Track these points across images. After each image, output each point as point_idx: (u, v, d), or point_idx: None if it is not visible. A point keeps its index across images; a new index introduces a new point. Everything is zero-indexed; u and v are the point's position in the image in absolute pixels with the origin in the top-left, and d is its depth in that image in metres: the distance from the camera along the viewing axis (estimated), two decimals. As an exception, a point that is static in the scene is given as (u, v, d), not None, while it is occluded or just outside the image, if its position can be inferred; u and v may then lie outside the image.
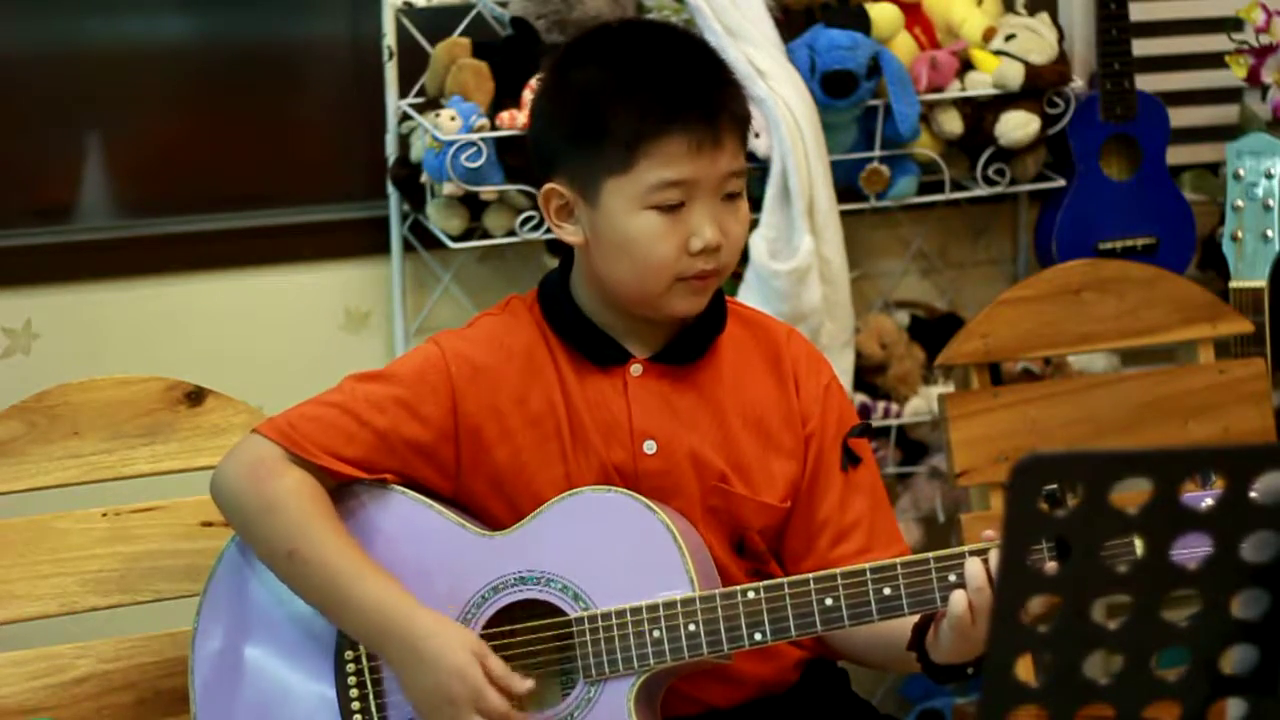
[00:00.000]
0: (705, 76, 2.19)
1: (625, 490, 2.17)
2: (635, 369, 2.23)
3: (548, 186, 2.20)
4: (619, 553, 2.14)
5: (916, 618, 2.13)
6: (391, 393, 2.21)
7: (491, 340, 2.25)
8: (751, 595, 2.11)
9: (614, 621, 2.13)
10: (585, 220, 2.19)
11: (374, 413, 2.19)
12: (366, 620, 2.13)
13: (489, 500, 2.22)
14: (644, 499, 2.15)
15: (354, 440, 2.19)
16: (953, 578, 2.08)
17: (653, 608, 2.12)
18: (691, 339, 2.25)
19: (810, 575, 2.12)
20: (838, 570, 2.11)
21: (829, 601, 2.10)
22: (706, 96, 2.16)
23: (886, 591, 2.09)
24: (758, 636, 2.11)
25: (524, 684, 2.09)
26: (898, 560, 2.10)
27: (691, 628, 2.12)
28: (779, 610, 2.11)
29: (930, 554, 2.10)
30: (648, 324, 2.23)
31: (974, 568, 2.04)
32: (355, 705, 2.19)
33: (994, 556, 2.03)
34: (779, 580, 2.13)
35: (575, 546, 2.15)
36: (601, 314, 2.24)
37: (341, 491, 2.20)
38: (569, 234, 2.20)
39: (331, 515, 2.17)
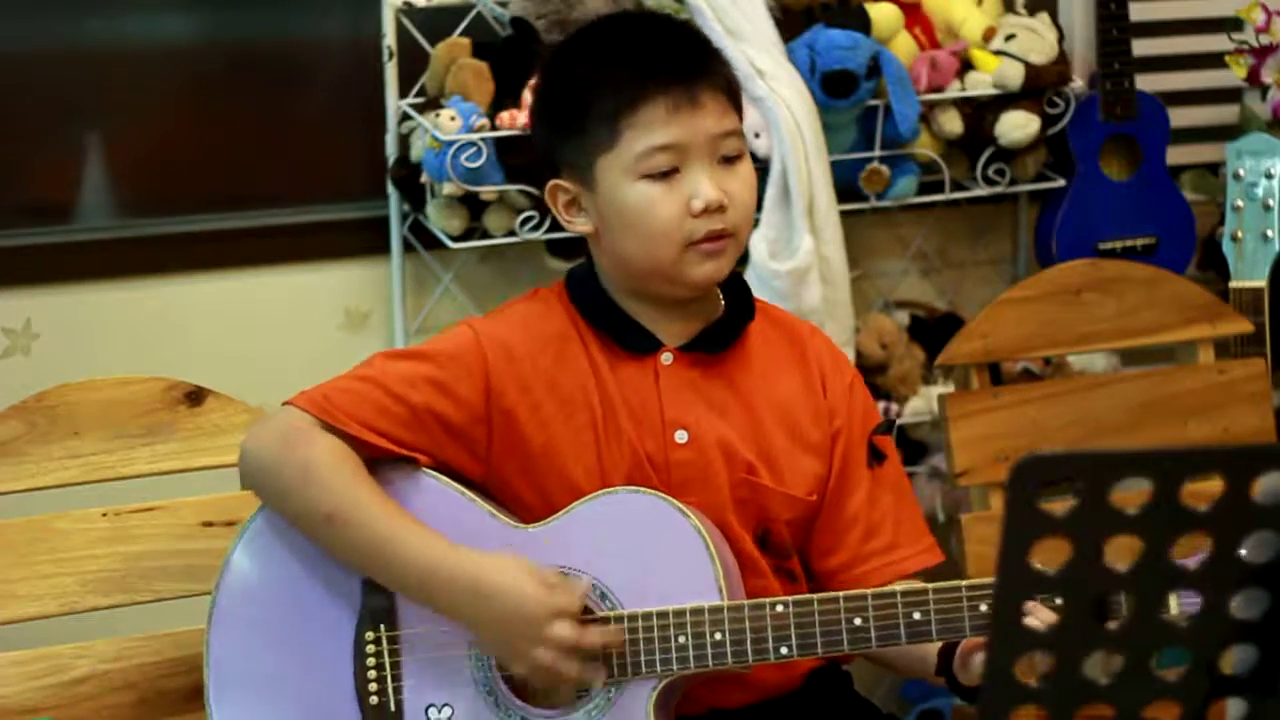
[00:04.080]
0: (678, 43, 2.22)
1: (660, 494, 2.16)
2: (666, 357, 2.24)
3: (552, 183, 2.23)
4: (650, 556, 2.14)
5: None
6: (425, 371, 2.20)
7: (525, 324, 2.26)
8: (780, 609, 2.11)
9: (640, 624, 2.12)
10: (590, 208, 2.21)
11: (407, 389, 2.19)
12: (419, 571, 2.11)
13: (520, 485, 2.22)
14: (679, 504, 2.15)
15: (386, 414, 2.18)
16: (983, 608, 2.07)
17: (680, 613, 2.11)
18: (722, 328, 2.26)
19: (840, 594, 2.11)
20: (868, 591, 2.12)
21: (858, 622, 2.10)
22: (678, 60, 2.19)
23: (916, 616, 2.09)
24: (784, 650, 2.11)
25: (583, 584, 2.11)
26: (930, 586, 2.10)
27: (718, 636, 2.11)
28: (807, 627, 2.11)
29: (963, 582, 2.10)
30: (677, 312, 2.24)
31: None
32: (373, 686, 2.18)
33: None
34: (808, 596, 2.12)
35: (606, 546, 2.15)
36: (629, 303, 2.25)
37: (371, 470, 2.18)
38: (580, 226, 2.23)
39: (369, 478, 2.16)
